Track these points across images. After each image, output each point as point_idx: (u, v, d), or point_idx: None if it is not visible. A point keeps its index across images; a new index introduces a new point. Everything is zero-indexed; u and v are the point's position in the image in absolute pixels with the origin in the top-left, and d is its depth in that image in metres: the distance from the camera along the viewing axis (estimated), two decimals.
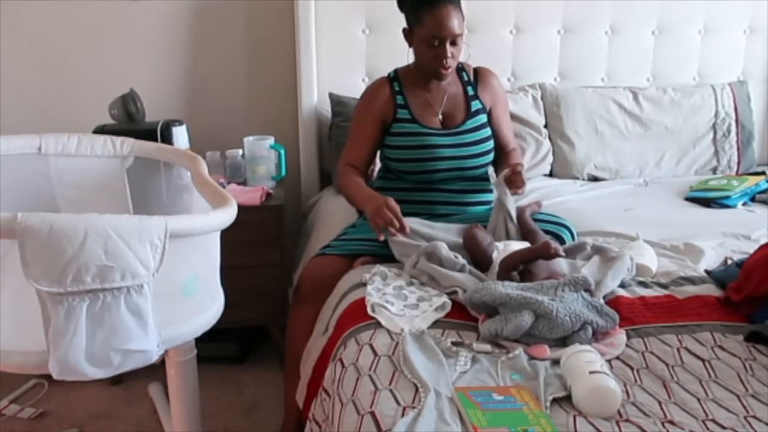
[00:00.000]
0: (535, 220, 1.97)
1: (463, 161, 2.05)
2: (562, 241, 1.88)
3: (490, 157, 2.11)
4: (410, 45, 2.04)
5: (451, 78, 2.08)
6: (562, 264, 1.75)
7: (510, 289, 1.52)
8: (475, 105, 2.10)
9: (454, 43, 1.94)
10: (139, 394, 2.37)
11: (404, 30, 2.04)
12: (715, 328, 1.51)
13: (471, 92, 2.11)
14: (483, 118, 2.10)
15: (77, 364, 1.36)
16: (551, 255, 1.67)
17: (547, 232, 1.92)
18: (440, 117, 2.08)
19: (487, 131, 2.09)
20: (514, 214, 1.93)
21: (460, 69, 2.12)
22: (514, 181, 1.91)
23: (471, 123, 2.08)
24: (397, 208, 1.83)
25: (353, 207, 2.09)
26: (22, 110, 2.72)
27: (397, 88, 2.08)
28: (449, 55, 1.94)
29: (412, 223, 1.85)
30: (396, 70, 2.14)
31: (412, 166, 2.05)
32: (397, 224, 1.81)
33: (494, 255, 1.75)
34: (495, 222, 1.93)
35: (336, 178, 2.13)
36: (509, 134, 2.19)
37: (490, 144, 2.10)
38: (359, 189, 1.99)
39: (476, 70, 2.16)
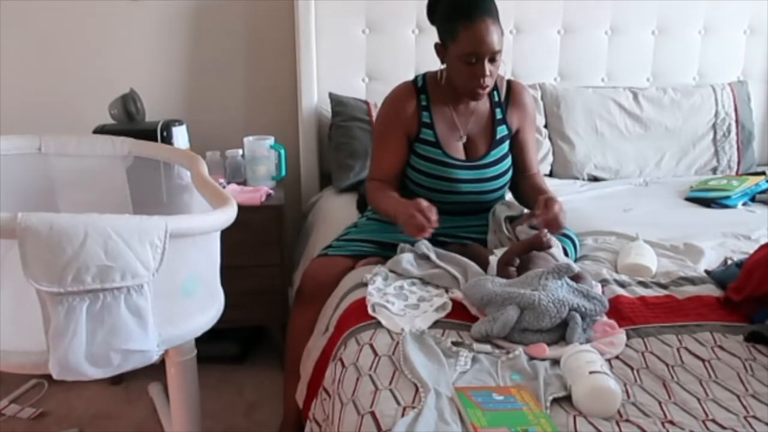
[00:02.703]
0: (537, 229, 1.95)
1: (481, 195, 1.97)
2: (565, 253, 1.87)
3: (507, 187, 2.04)
4: (443, 61, 1.89)
5: None
6: (560, 258, 1.75)
7: (497, 286, 1.53)
8: (501, 131, 1.97)
9: (492, 60, 1.79)
10: (139, 394, 2.37)
11: (437, 45, 1.88)
12: (715, 328, 1.51)
13: (499, 115, 1.97)
14: (506, 147, 1.99)
15: (77, 364, 1.36)
16: (544, 245, 1.68)
17: None
18: (464, 139, 1.96)
19: (508, 162, 1.99)
20: (508, 233, 1.90)
21: (493, 87, 1.95)
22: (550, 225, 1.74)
23: (494, 154, 1.96)
24: (424, 206, 1.72)
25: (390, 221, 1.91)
26: (22, 110, 2.72)
27: (423, 102, 1.93)
28: (487, 73, 1.79)
29: (422, 248, 1.83)
30: (424, 77, 1.97)
31: (426, 193, 1.94)
32: (429, 227, 1.71)
33: (491, 258, 1.76)
34: (494, 243, 1.92)
35: (367, 196, 2.02)
36: (534, 157, 2.07)
37: (509, 175, 2.02)
38: (388, 200, 1.89)
39: (509, 86, 2.01)
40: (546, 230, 1.71)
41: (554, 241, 1.85)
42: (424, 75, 1.99)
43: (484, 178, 1.96)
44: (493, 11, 1.80)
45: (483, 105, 1.99)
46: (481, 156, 1.97)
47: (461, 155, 1.97)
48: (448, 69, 1.88)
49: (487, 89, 1.86)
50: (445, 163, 1.93)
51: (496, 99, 1.99)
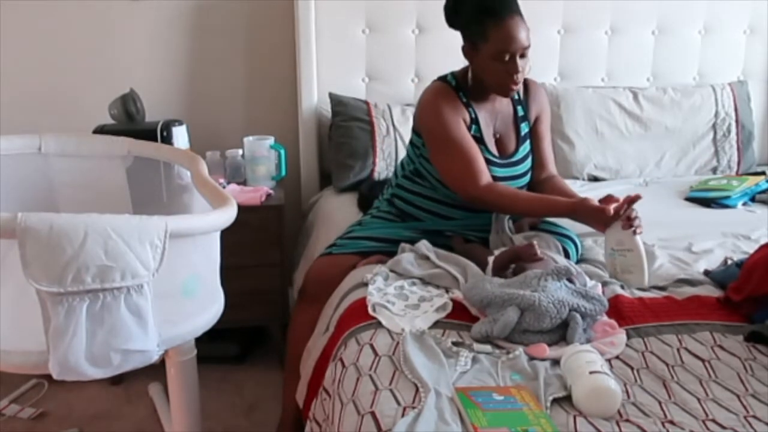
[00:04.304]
0: (540, 230, 1.95)
1: None
2: (567, 255, 1.87)
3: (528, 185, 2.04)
4: (471, 62, 1.89)
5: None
6: (560, 260, 1.75)
7: (496, 287, 1.53)
8: (524, 128, 2.00)
9: (522, 56, 1.82)
10: (139, 394, 2.37)
11: (464, 48, 1.88)
12: (715, 328, 1.51)
13: (521, 112, 2.01)
14: (529, 145, 2.02)
15: (77, 364, 1.36)
16: (530, 256, 1.66)
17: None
18: (497, 136, 1.98)
19: (531, 160, 2.02)
20: (511, 233, 1.90)
21: None
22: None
23: (522, 151, 1.99)
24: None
25: (543, 216, 1.95)
26: (22, 110, 2.71)
27: (464, 99, 1.92)
28: (520, 69, 1.82)
29: (420, 249, 1.84)
30: (454, 76, 1.95)
31: None
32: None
33: (490, 258, 1.76)
34: (495, 244, 1.92)
35: (485, 202, 1.88)
36: (551, 154, 2.09)
37: (531, 173, 2.03)
38: (551, 200, 1.87)
39: (525, 84, 2.03)
40: (536, 244, 1.71)
41: (554, 243, 1.85)
42: (453, 74, 1.97)
43: (515, 175, 1.97)
44: (519, 8, 1.83)
45: (507, 104, 2.00)
46: (512, 153, 1.99)
47: (496, 152, 1.97)
48: (479, 69, 1.88)
49: (519, 85, 1.87)
50: (488, 160, 1.93)
51: (517, 97, 2.01)
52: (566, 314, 1.44)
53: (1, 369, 1.46)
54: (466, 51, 1.88)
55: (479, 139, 1.93)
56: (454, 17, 1.89)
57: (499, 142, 1.99)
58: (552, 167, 2.09)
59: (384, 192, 2.14)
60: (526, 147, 2.01)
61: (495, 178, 1.92)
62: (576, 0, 2.84)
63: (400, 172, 2.09)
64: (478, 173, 1.87)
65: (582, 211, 1.79)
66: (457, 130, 1.88)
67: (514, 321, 1.43)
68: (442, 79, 1.97)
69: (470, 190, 1.87)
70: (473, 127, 1.93)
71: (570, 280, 1.57)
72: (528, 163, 2.01)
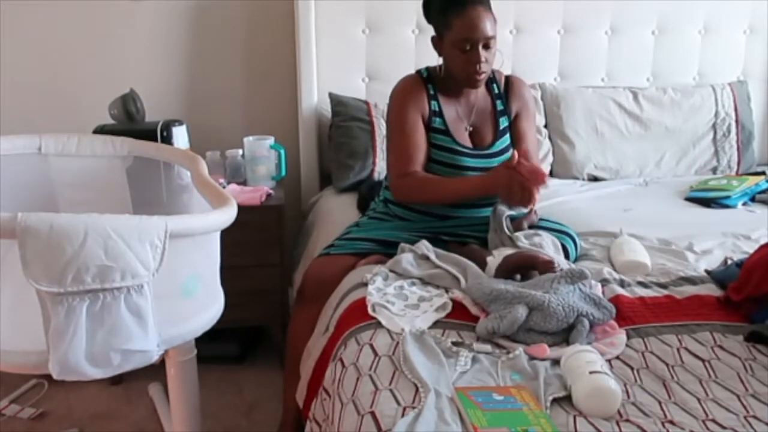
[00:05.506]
0: (539, 228, 1.95)
1: None
2: (566, 252, 1.87)
3: None
4: (440, 54, 1.94)
5: (480, 91, 2.00)
6: (561, 262, 1.74)
7: (509, 285, 1.53)
8: (503, 122, 2.02)
9: (486, 47, 1.85)
10: (139, 394, 2.37)
11: (433, 38, 1.94)
12: (715, 328, 1.51)
13: (500, 107, 2.02)
14: (509, 138, 2.03)
15: (77, 364, 1.36)
16: (548, 269, 1.65)
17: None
18: (470, 129, 2.00)
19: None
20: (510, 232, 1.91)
21: (491, 80, 2.02)
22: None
23: (500, 144, 2.00)
24: (523, 175, 1.73)
25: (451, 200, 1.96)
26: (22, 110, 2.72)
27: (431, 92, 1.97)
28: (482, 59, 1.84)
29: (419, 249, 1.83)
30: (428, 69, 2.01)
31: None
32: (534, 194, 1.72)
33: (489, 258, 1.76)
34: (494, 242, 1.92)
35: (401, 192, 1.94)
36: (533, 152, 2.05)
37: None
38: (456, 182, 1.89)
39: (507, 80, 2.06)
40: (556, 261, 1.70)
41: (553, 241, 1.85)
42: (427, 68, 2.02)
43: (490, 167, 1.96)
44: (485, 0, 1.87)
45: (484, 98, 2.02)
46: (488, 145, 2.00)
47: (469, 144, 1.99)
48: (446, 59, 1.93)
49: (484, 75, 1.90)
50: (455, 150, 1.95)
51: (496, 91, 2.03)
52: (574, 319, 1.44)
53: (1, 369, 1.46)
54: (435, 42, 1.94)
55: (443, 131, 1.95)
56: (427, 12, 1.96)
57: (475, 134, 2.01)
58: (536, 162, 2.05)
59: (380, 193, 2.15)
60: (504, 140, 2.02)
61: (468, 169, 1.95)
62: (576, 0, 2.84)
63: (388, 174, 2.10)
64: (410, 162, 1.90)
65: (492, 174, 1.81)
66: (406, 120, 1.93)
67: (521, 318, 1.43)
68: (418, 70, 2.02)
69: (393, 179, 1.94)
70: (436, 119, 1.95)
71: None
72: (507, 156, 1.99)
